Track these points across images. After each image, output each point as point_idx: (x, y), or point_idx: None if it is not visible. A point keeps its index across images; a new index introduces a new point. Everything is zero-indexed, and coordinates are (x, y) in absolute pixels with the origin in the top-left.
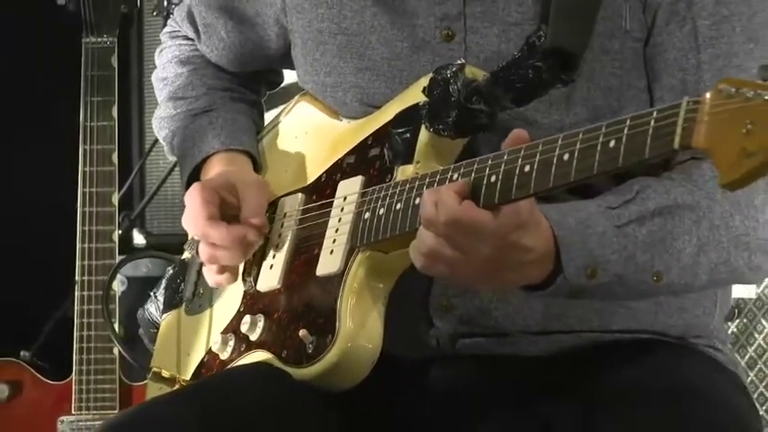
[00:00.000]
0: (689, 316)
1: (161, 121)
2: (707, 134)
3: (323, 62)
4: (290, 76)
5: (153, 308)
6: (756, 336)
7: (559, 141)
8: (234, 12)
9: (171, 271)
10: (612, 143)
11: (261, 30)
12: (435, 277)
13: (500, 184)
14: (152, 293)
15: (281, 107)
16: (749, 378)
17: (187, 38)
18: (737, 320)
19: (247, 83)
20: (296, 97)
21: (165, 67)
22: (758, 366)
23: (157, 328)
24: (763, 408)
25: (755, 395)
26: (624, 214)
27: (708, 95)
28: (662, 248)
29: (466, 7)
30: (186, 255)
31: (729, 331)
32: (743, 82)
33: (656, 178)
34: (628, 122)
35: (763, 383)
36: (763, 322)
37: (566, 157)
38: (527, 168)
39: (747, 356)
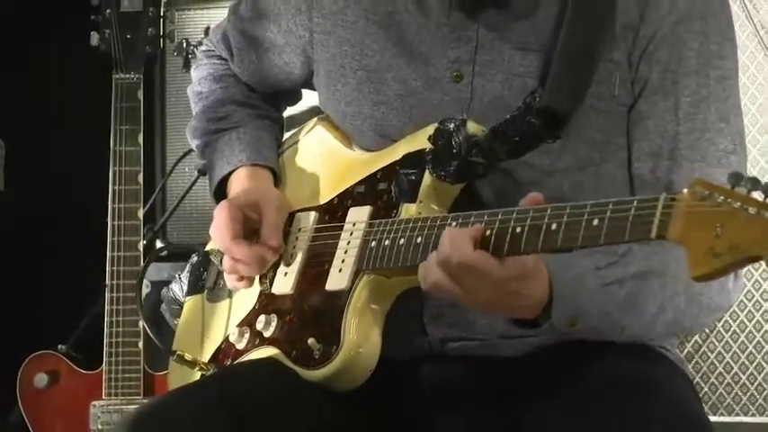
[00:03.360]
0: None
1: (194, 131)
2: (681, 230)
3: (343, 92)
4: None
5: (177, 287)
6: (693, 333)
7: (548, 211)
8: (265, 40)
9: (195, 258)
10: (596, 222)
11: (287, 57)
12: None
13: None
14: (177, 275)
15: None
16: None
17: (221, 57)
18: None
19: (272, 100)
20: (314, 120)
21: (201, 83)
22: (695, 360)
23: (179, 305)
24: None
25: None
26: (609, 275)
27: (685, 193)
28: (631, 308)
29: (477, 54)
30: (209, 247)
31: None
32: (715, 187)
33: (637, 243)
34: (611, 206)
35: (699, 374)
36: None
37: (553, 226)
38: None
39: (685, 351)
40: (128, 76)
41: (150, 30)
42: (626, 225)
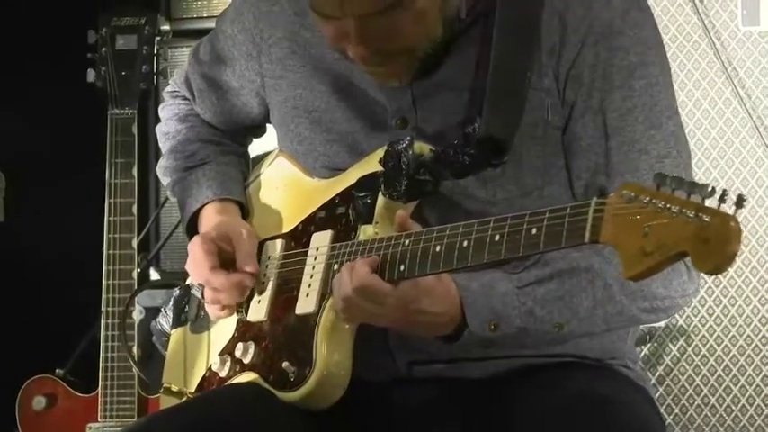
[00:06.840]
0: (605, 341)
1: (164, 170)
2: (612, 232)
3: (296, 132)
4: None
5: (164, 320)
6: (665, 357)
7: (491, 224)
8: (221, 83)
9: (177, 292)
10: (534, 231)
11: (244, 98)
12: None
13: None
14: (162, 309)
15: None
16: (658, 392)
17: (185, 98)
18: (649, 344)
19: (235, 136)
20: (276, 151)
21: (167, 123)
22: (666, 382)
23: (167, 337)
24: (671, 417)
25: (664, 406)
26: (524, 277)
27: (611, 197)
28: (561, 304)
29: (416, 102)
30: (190, 281)
31: (642, 354)
32: (641, 189)
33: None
34: (547, 215)
35: (671, 396)
36: (671, 346)
37: (497, 238)
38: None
39: (657, 374)
40: (123, 111)
41: (144, 67)
42: (562, 232)
